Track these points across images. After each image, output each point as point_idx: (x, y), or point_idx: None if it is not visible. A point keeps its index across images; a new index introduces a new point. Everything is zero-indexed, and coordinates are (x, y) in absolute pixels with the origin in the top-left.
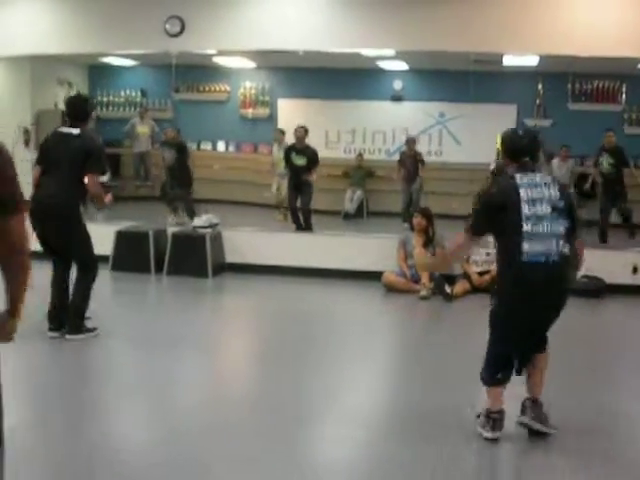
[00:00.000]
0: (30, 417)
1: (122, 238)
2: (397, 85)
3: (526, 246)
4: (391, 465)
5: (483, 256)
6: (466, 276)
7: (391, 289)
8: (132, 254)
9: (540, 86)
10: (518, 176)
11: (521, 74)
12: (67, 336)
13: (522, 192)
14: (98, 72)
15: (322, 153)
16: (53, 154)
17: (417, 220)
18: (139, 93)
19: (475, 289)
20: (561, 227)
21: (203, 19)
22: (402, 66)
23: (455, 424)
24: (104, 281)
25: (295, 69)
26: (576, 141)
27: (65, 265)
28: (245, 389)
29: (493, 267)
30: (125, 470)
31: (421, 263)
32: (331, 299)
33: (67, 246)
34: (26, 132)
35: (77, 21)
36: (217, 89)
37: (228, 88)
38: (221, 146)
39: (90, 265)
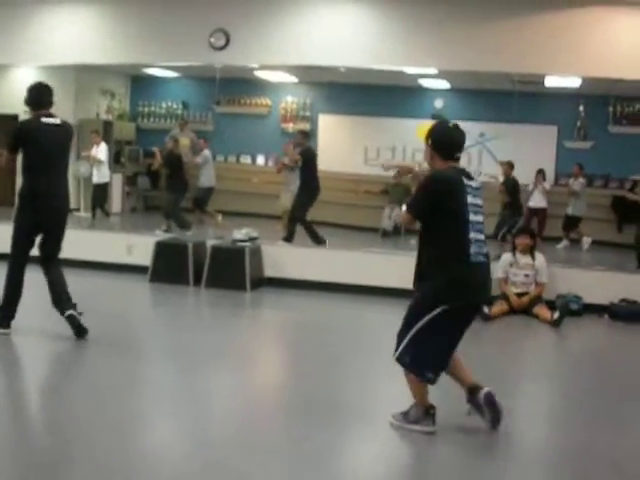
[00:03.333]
0: (70, 428)
1: (161, 249)
2: (438, 103)
3: (472, 249)
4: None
5: (521, 277)
6: (504, 297)
7: None
8: (171, 266)
9: (581, 108)
10: (464, 179)
11: (562, 95)
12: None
13: (468, 198)
14: (140, 83)
15: (361, 170)
16: (49, 147)
17: None
18: (180, 105)
19: (513, 310)
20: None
21: (248, 33)
22: (443, 85)
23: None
24: (143, 292)
25: (336, 85)
26: (616, 164)
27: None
28: (281, 402)
29: (532, 288)
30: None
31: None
32: (367, 316)
33: (59, 242)
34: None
35: (123, 32)
36: (258, 103)
37: (269, 102)
38: (260, 160)
39: None
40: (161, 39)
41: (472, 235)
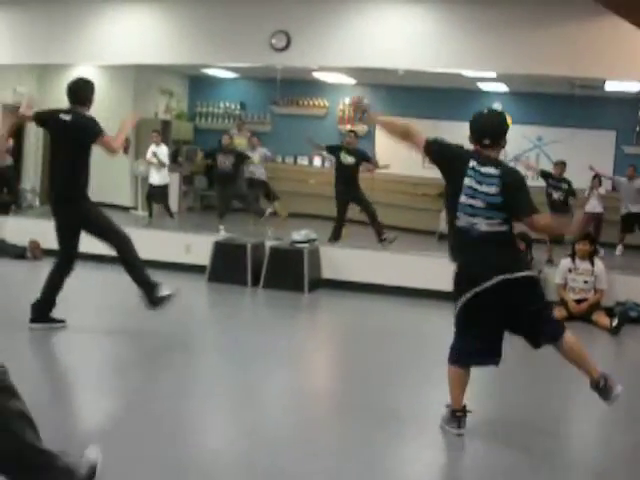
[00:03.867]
0: (124, 427)
1: (220, 249)
2: (496, 107)
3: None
4: None
5: (580, 284)
6: (563, 303)
7: None
8: (229, 266)
9: None
10: (471, 161)
11: (621, 100)
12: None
13: (466, 179)
14: (198, 83)
15: (419, 173)
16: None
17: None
18: (238, 105)
19: (572, 316)
20: (493, 219)
21: (308, 35)
22: (502, 88)
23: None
24: (200, 292)
25: (394, 87)
26: None
27: None
28: (336, 405)
29: (590, 295)
30: None
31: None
32: (424, 319)
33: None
34: (126, 140)
35: (184, 33)
36: (316, 104)
37: (327, 103)
38: (317, 161)
39: None
40: (222, 40)
41: (460, 214)
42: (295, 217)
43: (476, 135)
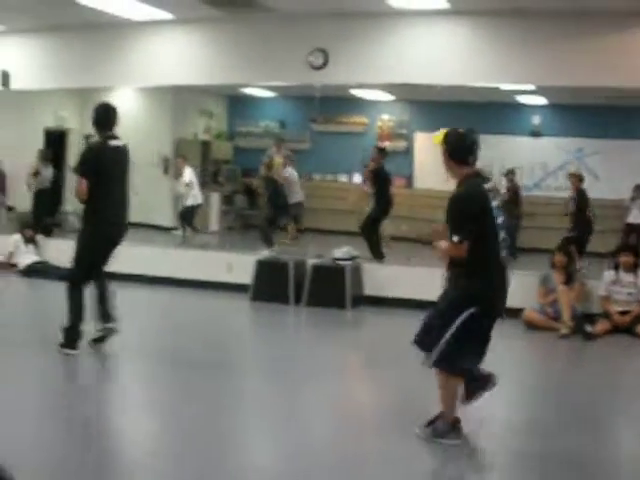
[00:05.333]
0: (169, 446)
1: (262, 268)
2: (535, 120)
3: (503, 252)
4: None
5: (624, 295)
6: (607, 315)
7: (531, 326)
8: (272, 284)
9: None
10: (479, 182)
11: None
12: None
13: (493, 202)
14: (237, 102)
15: None
16: (113, 170)
17: (558, 257)
18: (277, 124)
19: (616, 328)
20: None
21: (346, 52)
22: (541, 100)
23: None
24: (244, 311)
25: (433, 102)
26: None
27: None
28: (380, 422)
29: (634, 306)
30: None
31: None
32: None
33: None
34: (165, 160)
35: (220, 53)
36: (355, 121)
37: (366, 120)
38: (357, 178)
39: None
40: (260, 59)
41: (501, 236)
42: (335, 234)
43: (462, 153)
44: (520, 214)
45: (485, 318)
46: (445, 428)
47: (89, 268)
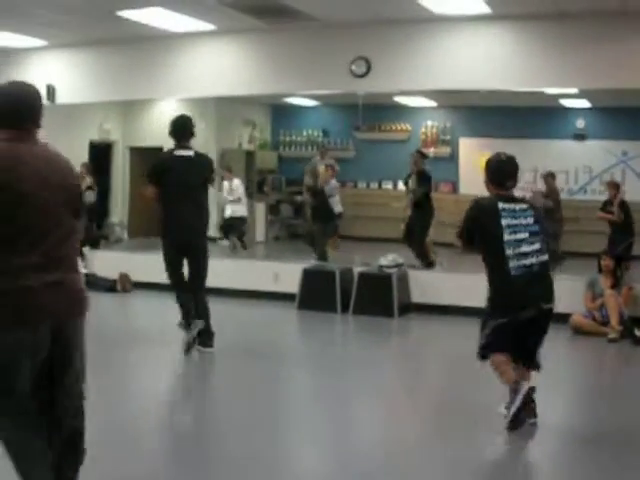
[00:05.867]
0: (219, 457)
1: (309, 276)
2: (580, 123)
3: (511, 264)
4: None
5: None
6: None
7: (578, 331)
8: (319, 293)
9: None
10: (500, 204)
11: None
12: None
13: (503, 221)
14: (281, 112)
15: None
16: (179, 179)
17: (605, 262)
18: (321, 132)
19: None
20: (537, 245)
21: (388, 59)
22: (584, 104)
23: None
24: (291, 320)
25: (476, 108)
26: None
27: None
28: (427, 434)
29: None
30: None
31: None
32: None
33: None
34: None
35: (263, 63)
36: (398, 128)
37: (409, 127)
38: (402, 185)
39: None
40: (302, 69)
41: (509, 252)
42: (381, 242)
43: (500, 178)
44: (561, 218)
45: (508, 326)
46: (523, 397)
47: (172, 275)
